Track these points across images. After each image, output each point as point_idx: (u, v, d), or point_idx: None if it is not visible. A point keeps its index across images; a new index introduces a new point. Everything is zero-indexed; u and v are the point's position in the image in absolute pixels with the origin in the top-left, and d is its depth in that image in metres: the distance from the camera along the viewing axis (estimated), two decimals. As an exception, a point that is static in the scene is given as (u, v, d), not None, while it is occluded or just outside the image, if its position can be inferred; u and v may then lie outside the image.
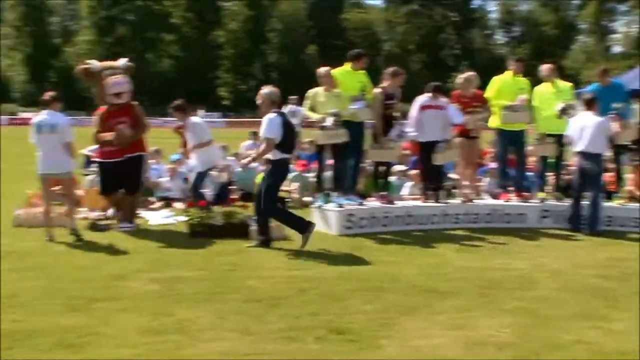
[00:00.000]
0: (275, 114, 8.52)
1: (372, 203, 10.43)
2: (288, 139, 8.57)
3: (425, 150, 10.58)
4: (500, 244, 9.32)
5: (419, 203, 10.64)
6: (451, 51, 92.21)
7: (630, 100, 10.99)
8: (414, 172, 12.19)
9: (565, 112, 10.60)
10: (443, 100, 10.56)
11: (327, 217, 9.87)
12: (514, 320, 5.83)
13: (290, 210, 9.63)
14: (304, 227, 8.62)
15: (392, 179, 11.98)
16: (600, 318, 5.95)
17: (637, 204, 10.88)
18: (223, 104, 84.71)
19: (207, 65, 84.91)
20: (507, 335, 5.45)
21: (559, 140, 10.86)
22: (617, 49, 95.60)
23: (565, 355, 5.07)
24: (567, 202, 10.75)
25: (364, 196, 10.93)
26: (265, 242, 8.65)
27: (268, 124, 8.42)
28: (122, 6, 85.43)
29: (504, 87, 11.00)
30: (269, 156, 8.57)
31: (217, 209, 9.87)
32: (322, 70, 10.28)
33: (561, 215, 10.73)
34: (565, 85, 11.15)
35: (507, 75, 11.16)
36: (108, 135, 9.58)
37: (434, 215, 10.43)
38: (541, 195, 11.25)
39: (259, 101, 8.75)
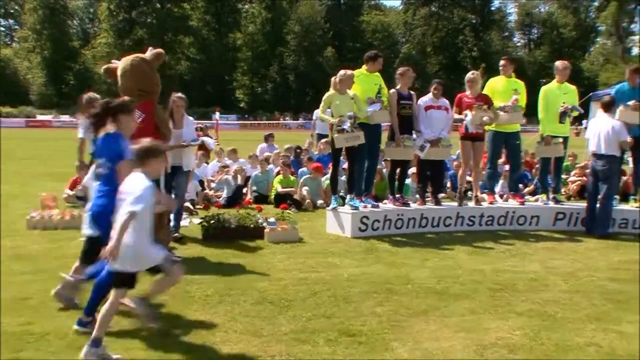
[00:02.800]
0: None
1: (386, 205, 10.44)
2: None
3: None
4: (513, 247, 9.31)
5: (432, 206, 10.62)
6: (469, 53, 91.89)
7: None
8: (411, 171, 12.19)
9: (565, 115, 10.62)
10: (444, 100, 10.56)
11: (341, 219, 9.89)
12: (525, 323, 5.83)
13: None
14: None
15: (407, 181, 12.02)
16: (613, 321, 5.94)
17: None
18: (239, 106, 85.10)
19: (225, 67, 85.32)
20: (518, 338, 5.44)
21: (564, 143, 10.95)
22: (635, 50, 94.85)
23: (577, 357, 5.06)
24: (583, 204, 10.72)
25: (378, 199, 10.95)
26: None
27: None
28: (140, 9, 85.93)
29: (496, 88, 10.98)
30: None
31: (231, 211, 9.91)
32: (341, 72, 10.30)
33: (576, 217, 10.70)
34: (572, 87, 11.10)
35: (501, 76, 11.14)
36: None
37: (448, 217, 10.41)
38: (543, 197, 11.23)
39: None
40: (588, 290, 6.99)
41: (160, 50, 8.38)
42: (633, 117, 10.36)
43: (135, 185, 4.86)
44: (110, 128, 5.71)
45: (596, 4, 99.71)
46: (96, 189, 5.62)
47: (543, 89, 11.02)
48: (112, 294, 4.99)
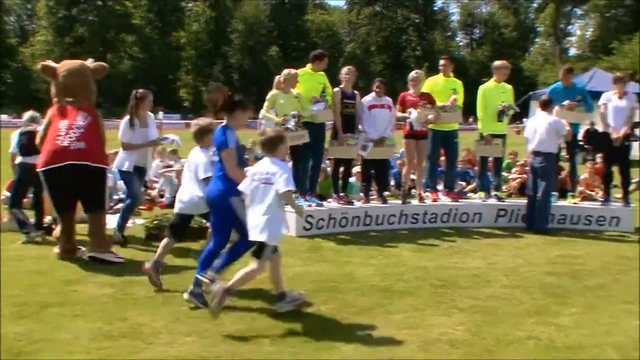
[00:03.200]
0: None
1: (331, 204, 10.47)
2: None
3: None
4: (455, 244, 9.45)
5: (377, 204, 10.69)
6: (412, 52, 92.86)
7: (590, 101, 11.19)
8: (355, 169, 12.28)
9: (503, 114, 10.85)
10: (387, 99, 10.65)
11: (286, 218, 9.87)
12: (468, 318, 5.92)
13: None
14: None
15: (351, 180, 12.09)
16: (551, 314, 6.09)
17: (590, 203, 11.11)
18: (183, 106, 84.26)
19: (168, 66, 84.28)
20: (461, 333, 5.53)
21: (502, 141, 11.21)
22: (573, 51, 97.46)
23: (517, 351, 5.17)
24: (523, 201, 10.96)
25: (322, 197, 10.98)
26: None
27: None
28: (81, 6, 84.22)
29: (435, 87, 11.14)
30: None
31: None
32: (285, 71, 10.29)
33: (517, 214, 10.92)
34: (509, 87, 11.34)
35: (439, 76, 11.31)
36: None
37: (392, 215, 10.50)
38: (481, 194, 11.43)
39: None
40: (528, 285, 7.15)
41: (104, 64, 8.48)
42: (568, 116, 10.65)
43: (281, 168, 5.80)
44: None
45: (535, 5, 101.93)
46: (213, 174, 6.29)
47: (481, 88, 11.21)
48: (257, 262, 5.82)
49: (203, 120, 7.02)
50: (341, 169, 10.78)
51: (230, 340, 5.27)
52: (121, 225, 9.06)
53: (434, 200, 11.02)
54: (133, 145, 8.85)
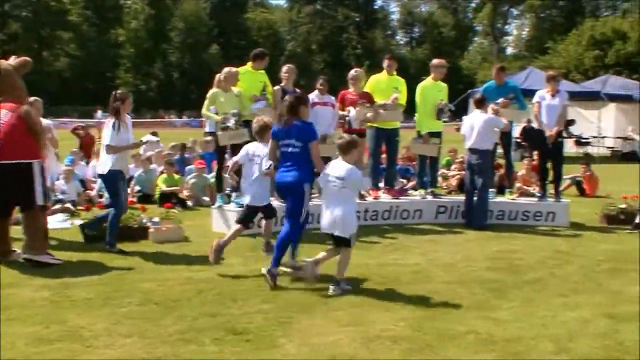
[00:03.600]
0: None
1: (273, 202, 10.41)
2: None
3: None
4: (397, 240, 9.54)
5: (318, 201, 10.67)
6: (353, 51, 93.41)
7: (522, 99, 11.43)
8: None
9: (442, 112, 11.00)
10: (330, 97, 10.69)
11: (227, 217, 9.83)
12: (409, 314, 5.98)
13: None
14: None
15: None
16: (490, 308, 6.20)
17: (527, 199, 11.36)
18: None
19: (106, 64, 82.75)
20: (402, 329, 5.58)
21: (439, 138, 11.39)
22: (510, 50, 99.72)
23: (457, 345, 5.24)
24: (462, 198, 11.13)
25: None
26: None
27: None
28: (14, 1, 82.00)
29: (378, 85, 11.24)
30: None
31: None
32: (225, 69, 10.23)
33: (457, 210, 11.09)
34: (444, 85, 11.51)
35: (383, 74, 11.40)
36: None
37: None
38: (421, 191, 11.56)
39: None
40: (468, 280, 7.26)
41: (26, 58, 8.18)
42: (504, 114, 10.86)
43: (353, 171, 6.68)
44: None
45: (473, 5, 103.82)
46: (285, 164, 7.03)
47: (419, 86, 11.32)
48: (344, 251, 6.86)
49: (265, 118, 7.93)
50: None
51: (172, 340, 5.21)
52: (111, 242, 8.46)
53: (375, 198, 11.10)
54: (118, 149, 8.37)
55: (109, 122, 8.42)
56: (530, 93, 12.27)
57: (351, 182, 6.66)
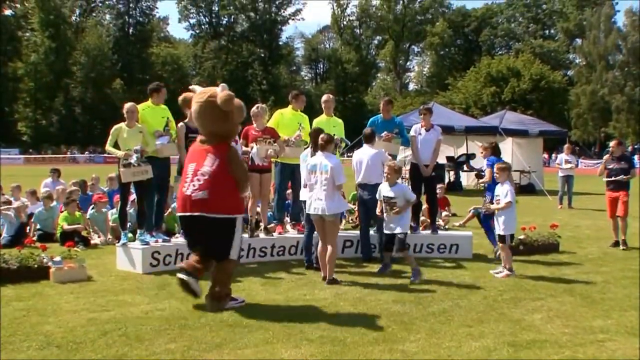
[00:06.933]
0: None
1: (178, 239, 10.27)
2: None
3: None
4: (304, 276, 9.53)
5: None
6: (259, 86, 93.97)
7: (405, 134, 11.75)
8: None
9: (336, 146, 11.15)
10: None
11: (132, 255, 9.62)
12: (317, 349, 5.98)
13: None
14: None
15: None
16: (397, 341, 6.27)
17: (429, 231, 11.59)
18: (22, 140, 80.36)
19: (4, 98, 79.97)
20: (311, 365, 5.57)
21: None
22: (412, 86, 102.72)
23: (365, 379, 5.27)
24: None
25: (169, 233, 10.78)
26: None
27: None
28: None
29: (282, 120, 11.31)
30: None
31: (12, 251, 9.30)
32: (125, 105, 10.07)
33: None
34: (340, 121, 11.78)
35: (288, 109, 11.50)
36: None
37: (240, 250, 10.41)
38: None
39: None
40: (375, 313, 7.33)
41: None
42: (387, 148, 11.09)
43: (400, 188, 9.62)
44: None
45: (376, 42, 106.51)
46: None
47: (314, 121, 11.41)
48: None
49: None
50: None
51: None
52: None
53: (281, 233, 11.09)
54: None
55: None
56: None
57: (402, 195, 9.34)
